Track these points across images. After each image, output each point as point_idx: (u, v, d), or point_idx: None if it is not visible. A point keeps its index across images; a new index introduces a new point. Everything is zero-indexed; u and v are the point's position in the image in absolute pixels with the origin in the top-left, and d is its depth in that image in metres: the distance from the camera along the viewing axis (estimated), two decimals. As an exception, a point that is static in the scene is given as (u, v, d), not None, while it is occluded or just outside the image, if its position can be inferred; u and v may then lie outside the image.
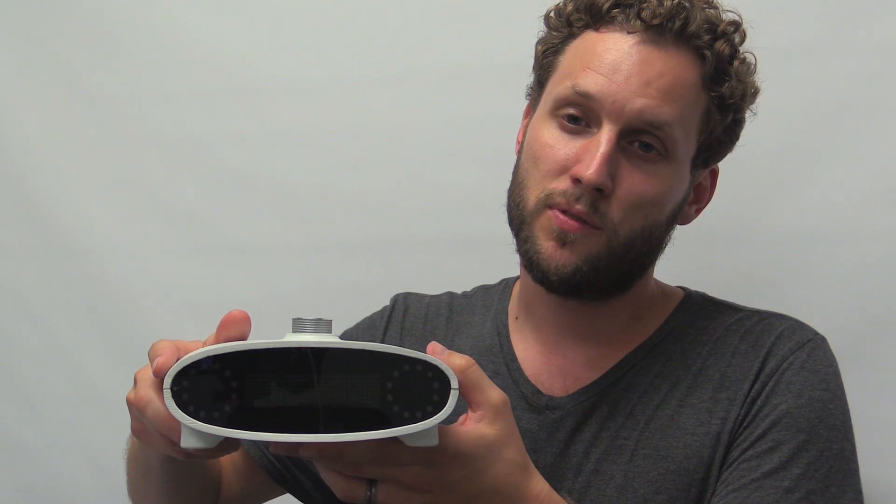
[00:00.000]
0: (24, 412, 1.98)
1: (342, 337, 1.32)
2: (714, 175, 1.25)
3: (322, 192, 1.78)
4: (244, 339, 0.85)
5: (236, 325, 0.86)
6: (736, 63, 1.16)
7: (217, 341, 0.86)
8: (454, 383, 0.82)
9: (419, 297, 1.38)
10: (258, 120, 1.81)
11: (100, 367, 1.88)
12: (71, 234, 1.93)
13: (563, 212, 1.12)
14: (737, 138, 1.22)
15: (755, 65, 1.19)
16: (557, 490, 0.98)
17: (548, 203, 1.13)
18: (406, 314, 1.35)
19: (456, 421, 0.90)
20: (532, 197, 1.14)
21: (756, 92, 1.20)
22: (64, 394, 1.94)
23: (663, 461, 1.12)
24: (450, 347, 1.25)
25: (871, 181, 1.47)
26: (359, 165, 1.76)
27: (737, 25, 1.17)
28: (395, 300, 1.39)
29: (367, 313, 1.41)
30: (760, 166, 1.52)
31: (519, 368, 1.23)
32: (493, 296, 1.35)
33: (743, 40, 1.18)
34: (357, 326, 1.39)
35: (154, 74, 1.87)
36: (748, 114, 1.21)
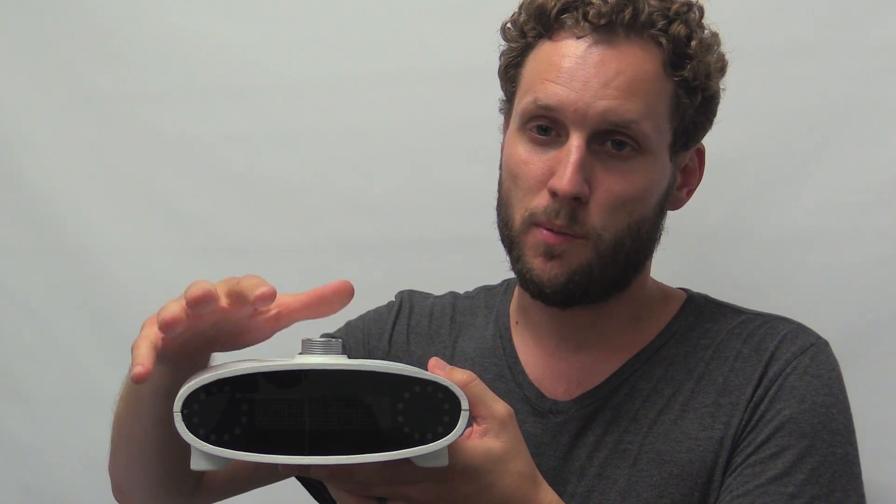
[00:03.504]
0: (24, 412, 1.98)
1: (346, 328, 1.33)
2: (700, 154, 1.24)
3: (322, 192, 1.78)
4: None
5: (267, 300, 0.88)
6: (694, 43, 1.14)
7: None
8: (464, 404, 0.82)
9: (423, 296, 1.38)
10: (258, 120, 1.81)
11: (100, 367, 1.88)
12: (71, 234, 1.93)
13: (547, 229, 1.12)
14: (713, 115, 1.20)
15: (719, 38, 1.17)
16: (561, 495, 0.99)
17: (532, 221, 1.13)
18: (412, 312, 1.35)
19: (462, 435, 0.91)
20: (517, 217, 1.15)
21: (724, 66, 1.18)
22: (64, 394, 1.94)
23: (666, 465, 1.12)
24: (453, 348, 1.28)
25: (871, 181, 1.47)
26: (359, 165, 1.76)
27: (689, 5, 1.15)
28: (402, 297, 1.39)
29: (368, 315, 1.41)
30: (760, 166, 1.52)
31: (522, 372, 1.23)
32: (494, 297, 1.35)
33: (701, 16, 1.16)
34: (363, 318, 1.38)
35: (154, 74, 1.86)
36: (721, 89, 1.19)
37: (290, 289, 1.74)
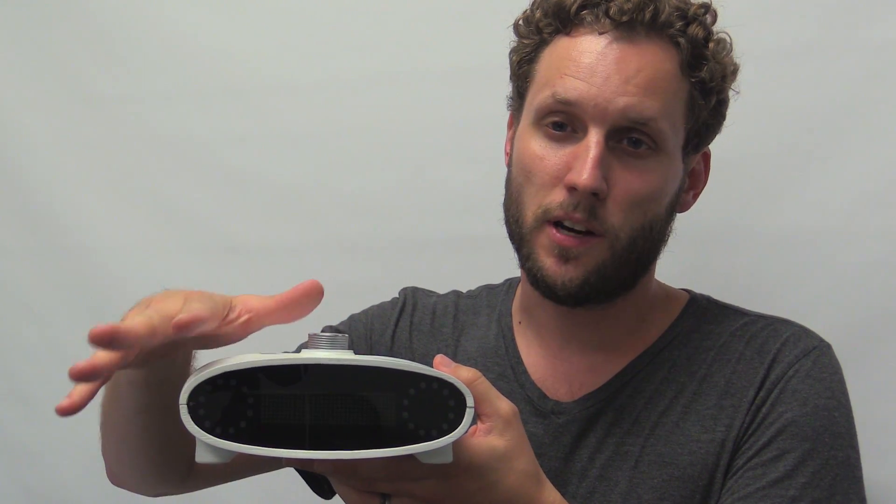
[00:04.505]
0: (24, 412, 1.98)
1: (349, 321, 1.32)
2: (706, 158, 1.24)
3: (322, 192, 1.78)
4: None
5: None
6: (711, 45, 1.15)
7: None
8: (470, 401, 0.82)
9: (427, 294, 1.38)
10: (258, 120, 1.81)
11: (100, 368, 1.88)
12: (71, 234, 1.93)
13: (562, 225, 1.12)
14: (723, 119, 1.21)
15: (731, 43, 1.18)
16: (562, 496, 0.98)
17: (546, 218, 1.12)
18: (415, 310, 1.35)
19: (466, 432, 0.90)
20: (529, 213, 1.14)
21: (736, 70, 1.19)
22: (64, 394, 1.91)
23: (668, 468, 1.12)
24: (456, 347, 1.27)
25: (871, 181, 1.48)
26: (359, 165, 1.76)
27: (706, 7, 1.16)
28: (405, 294, 1.38)
29: (368, 315, 1.41)
30: (760, 166, 1.52)
31: (525, 372, 1.23)
32: (497, 297, 1.34)
33: (714, 20, 1.17)
34: (366, 312, 1.38)
35: (154, 74, 1.87)
36: (731, 93, 1.20)
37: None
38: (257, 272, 1.81)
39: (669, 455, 1.12)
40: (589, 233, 1.12)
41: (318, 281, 0.89)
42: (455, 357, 1.28)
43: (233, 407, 0.79)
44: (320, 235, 1.78)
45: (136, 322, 0.78)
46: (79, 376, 0.79)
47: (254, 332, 0.89)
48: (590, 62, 1.11)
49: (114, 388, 1.04)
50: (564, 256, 1.12)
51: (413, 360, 1.27)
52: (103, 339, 0.76)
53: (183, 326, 0.78)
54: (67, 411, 0.79)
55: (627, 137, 1.11)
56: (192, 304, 0.83)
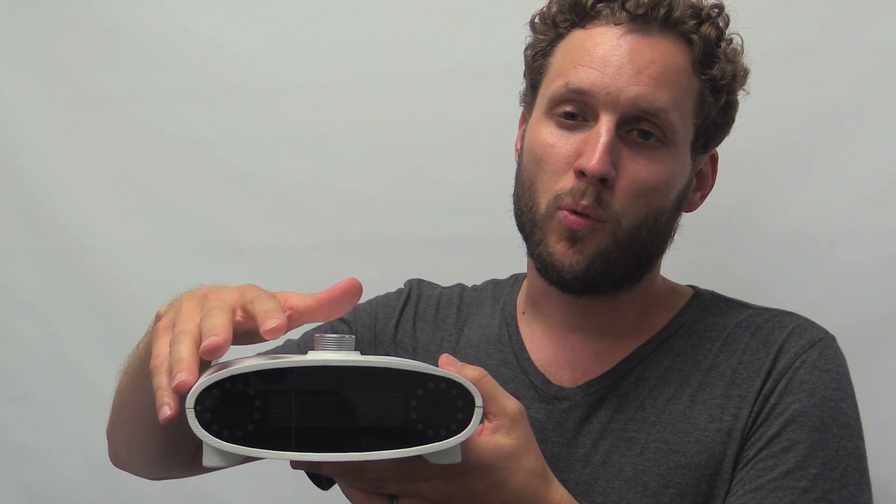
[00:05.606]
0: (24, 412, 1.97)
1: (353, 311, 1.33)
2: (714, 160, 1.26)
3: (322, 192, 1.78)
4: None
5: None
6: (723, 45, 1.18)
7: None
8: (478, 401, 0.82)
9: (431, 286, 1.39)
10: (258, 120, 1.81)
11: (100, 367, 1.87)
12: (71, 234, 1.93)
13: (572, 211, 1.12)
14: (732, 121, 1.23)
15: (742, 45, 1.21)
16: (565, 482, 0.99)
17: (557, 205, 1.13)
18: (419, 300, 1.36)
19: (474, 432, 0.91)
20: (543, 201, 1.15)
21: (746, 73, 1.21)
22: (64, 394, 1.94)
23: (675, 455, 1.13)
24: (458, 336, 1.29)
25: (871, 181, 1.48)
26: (359, 165, 1.76)
27: (720, 8, 1.18)
28: (410, 285, 1.39)
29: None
30: (761, 166, 1.53)
31: (528, 358, 1.24)
32: (502, 289, 1.35)
33: (727, 23, 1.19)
34: (371, 302, 1.38)
35: (154, 74, 1.86)
36: (741, 94, 1.22)
37: (291, 289, 1.74)
38: (258, 272, 1.80)
39: (676, 443, 1.13)
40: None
41: (357, 279, 0.92)
42: (457, 345, 1.29)
43: (240, 410, 0.78)
44: (320, 235, 1.78)
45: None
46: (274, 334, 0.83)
47: (293, 329, 0.91)
48: (604, 52, 1.13)
49: (142, 377, 1.03)
50: (573, 239, 1.13)
51: (415, 348, 1.28)
52: (216, 350, 0.81)
53: (273, 332, 0.83)
54: (173, 419, 0.80)
55: (637, 129, 1.13)
56: (294, 297, 0.92)
